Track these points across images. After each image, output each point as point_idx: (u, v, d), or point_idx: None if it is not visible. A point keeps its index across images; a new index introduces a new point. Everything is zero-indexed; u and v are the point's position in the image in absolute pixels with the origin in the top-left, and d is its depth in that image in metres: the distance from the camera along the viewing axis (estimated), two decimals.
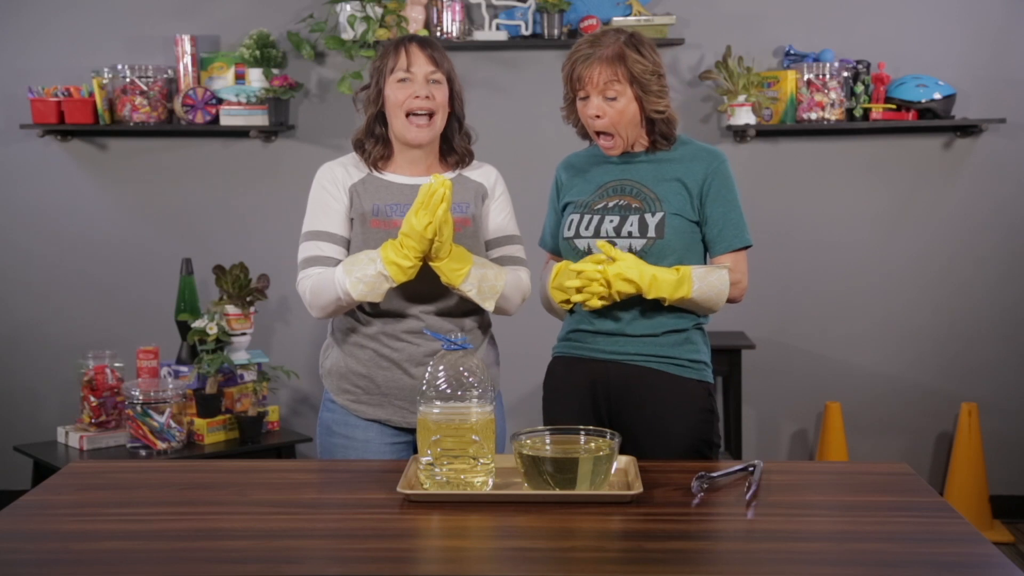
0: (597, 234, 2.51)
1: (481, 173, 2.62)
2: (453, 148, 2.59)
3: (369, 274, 2.37)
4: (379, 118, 2.54)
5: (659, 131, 2.55)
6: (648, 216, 2.49)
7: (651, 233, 2.48)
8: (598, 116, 2.49)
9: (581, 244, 2.53)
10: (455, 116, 2.58)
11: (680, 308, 2.51)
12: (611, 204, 2.53)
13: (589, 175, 2.61)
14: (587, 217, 2.54)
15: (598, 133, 2.53)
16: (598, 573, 1.70)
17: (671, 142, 2.57)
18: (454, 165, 2.60)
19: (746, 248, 2.55)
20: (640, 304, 2.50)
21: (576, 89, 2.50)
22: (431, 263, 2.39)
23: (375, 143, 2.55)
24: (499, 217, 2.61)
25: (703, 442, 2.51)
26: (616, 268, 2.41)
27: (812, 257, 4.47)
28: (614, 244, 2.48)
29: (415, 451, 2.56)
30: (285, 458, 3.87)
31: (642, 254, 2.47)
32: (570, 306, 2.54)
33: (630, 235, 2.49)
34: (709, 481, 2.06)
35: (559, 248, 2.63)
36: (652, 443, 2.47)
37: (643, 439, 2.47)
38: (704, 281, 2.46)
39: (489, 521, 1.91)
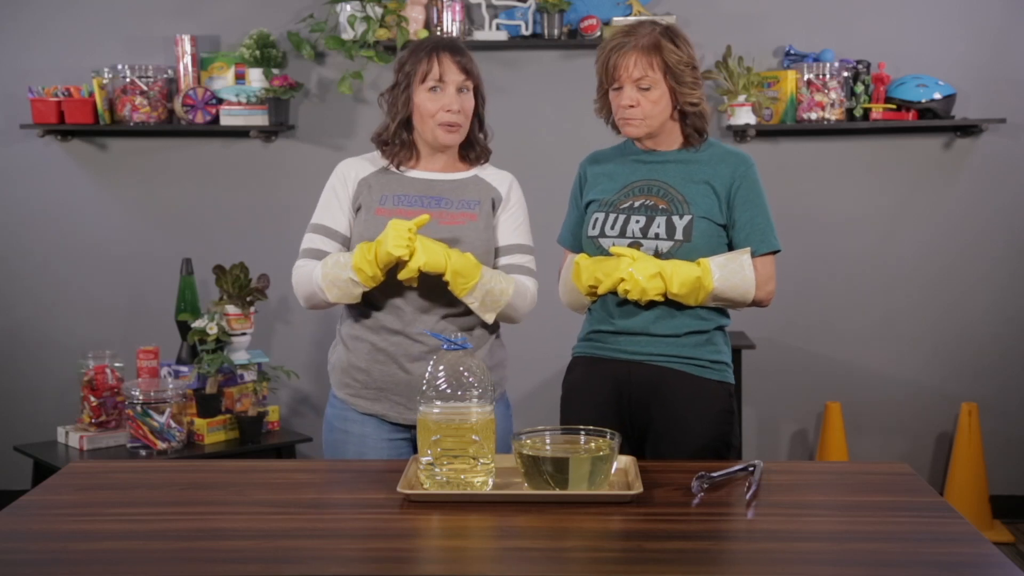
0: (623, 234, 2.48)
1: (497, 179, 2.62)
2: (473, 146, 2.61)
3: (342, 278, 2.44)
4: (405, 122, 2.56)
5: (692, 125, 2.53)
6: (676, 218, 2.47)
7: (679, 236, 2.46)
8: (631, 106, 2.46)
9: (606, 243, 2.50)
10: (478, 115, 2.61)
11: (704, 307, 2.49)
12: (637, 204, 2.50)
13: (615, 173, 2.58)
14: (612, 216, 2.51)
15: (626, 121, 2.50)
16: (598, 573, 1.70)
17: (703, 136, 2.55)
18: (474, 162, 2.62)
19: (774, 253, 2.54)
20: (663, 305, 2.48)
21: (610, 79, 2.48)
22: (444, 277, 2.42)
23: (400, 147, 2.57)
24: (510, 226, 2.60)
25: (722, 443, 2.50)
26: (637, 267, 2.40)
27: (812, 257, 4.46)
28: (639, 246, 2.46)
29: (413, 449, 2.57)
30: (285, 458, 3.87)
31: (668, 256, 2.45)
32: (595, 298, 2.53)
33: (657, 237, 2.46)
34: (709, 481, 2.06)
35: (580, 246, 2.60)
36: (672, 443, 2.47)
37: (663, 439, 2.48)
38: (726, 268, 2.43)
39: (489, 521, 1.91)
